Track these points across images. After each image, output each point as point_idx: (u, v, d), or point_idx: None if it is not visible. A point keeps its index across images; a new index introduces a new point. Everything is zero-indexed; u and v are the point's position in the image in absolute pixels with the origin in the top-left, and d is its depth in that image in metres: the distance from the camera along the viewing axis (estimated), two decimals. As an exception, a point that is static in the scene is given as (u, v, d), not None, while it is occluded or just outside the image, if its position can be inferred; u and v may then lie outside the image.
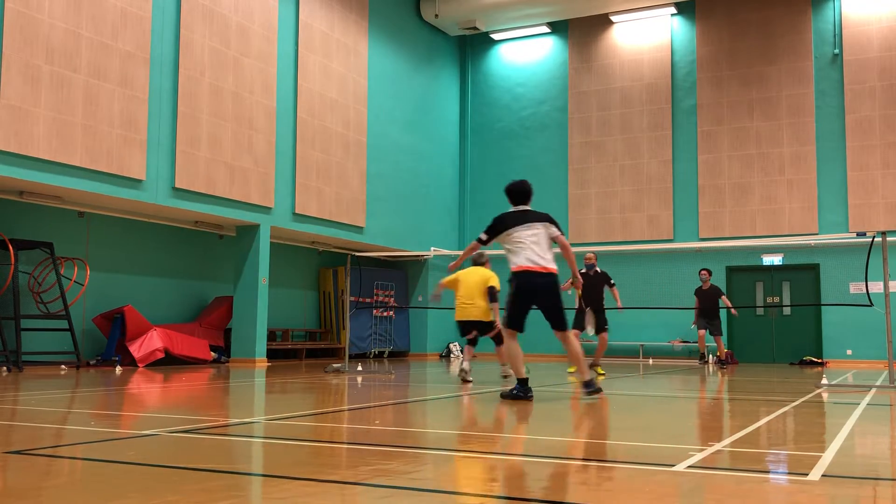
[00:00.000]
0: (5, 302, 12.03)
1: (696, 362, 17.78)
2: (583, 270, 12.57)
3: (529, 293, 7.26)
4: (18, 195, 12.11)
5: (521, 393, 7.22)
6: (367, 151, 17.98)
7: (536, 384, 9.52)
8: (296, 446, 4.53)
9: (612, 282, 12.63)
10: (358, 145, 17.62)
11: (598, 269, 12.62)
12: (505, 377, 10.35)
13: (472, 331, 10.21)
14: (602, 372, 11.99)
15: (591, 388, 7.24)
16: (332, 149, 16.81)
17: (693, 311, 15.75)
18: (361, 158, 17.70)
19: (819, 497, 3.14)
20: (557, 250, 7.62)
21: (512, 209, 7.66)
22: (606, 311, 12.44)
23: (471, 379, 9.69)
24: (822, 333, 17.95)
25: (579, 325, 12.31)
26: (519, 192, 7.76)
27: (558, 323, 7.37)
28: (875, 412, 6.69)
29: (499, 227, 7.51)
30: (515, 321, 7.36)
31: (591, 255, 12.84)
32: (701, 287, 15.61)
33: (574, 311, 12.43)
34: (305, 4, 16.27)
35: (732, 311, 15.79)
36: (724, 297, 15.48)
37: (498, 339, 10.15)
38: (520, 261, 7.26)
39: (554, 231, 7.49)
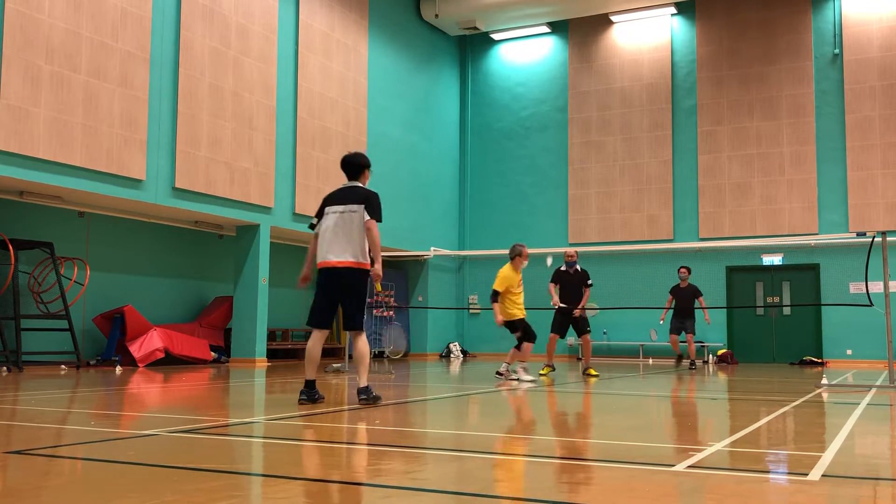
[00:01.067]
0: (5, 302, 12.03)
1: (699, 362, 17.79)
2: (562, 268, 12.37)
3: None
4: (18, 195, 12.11)
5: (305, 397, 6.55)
6: (367, 151, 17.97)
7: (535, 384, 9.53)
8: (296, 446, 4.53)
9: (590, 282, 12.31)
10: (358, 145, 17.61)
11: (578, 267, 12.34)
12: (499, 375, 10.73)
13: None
14: (595, 373, 11.75)
15: (365, 395, 6.56)
16: (332, 149, 16.80)
17: (662, 309, 14.82)
18: (361, 158, 17.68)
19: (819, 497, 3.14)
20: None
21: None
22: (588, 310, 12.31)
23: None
24: (822, 333, 17.95)
25: (560, 329, 12.15)
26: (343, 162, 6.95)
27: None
28: (875, 412, 6.69)
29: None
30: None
31: (573, 251, 12.61)
32: (678, 285, 14.64)
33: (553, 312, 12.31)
34: (305, 4, 16.27)
35: (706, 317, 14.61)
36: (700, 299, 14.49)
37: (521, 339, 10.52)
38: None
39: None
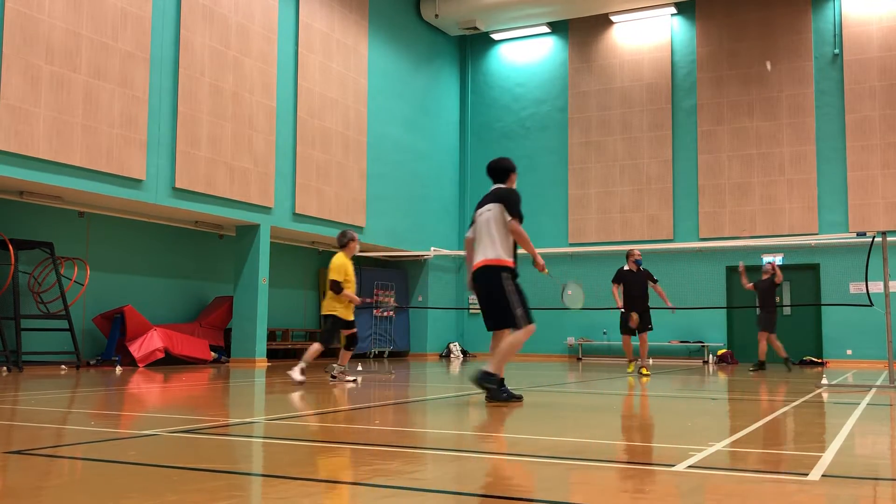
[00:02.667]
0: (5, 302, 12.03)
1: (699, 362, 17.80)
2: (626, 267, 12.50)
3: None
4: (18, 195, 12.11)
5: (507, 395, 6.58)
6: (367, 151, 17.98)
7: (536, 384, 9.53)
8: (296, 446, 4.53)
9: (656, 278, 12.62)
10: (358, 145, 17.61)
11: (642, 267, 12.49)
12: (333, 378, 9.64)
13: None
14: (647, 373, 12.04)
15: (487, 381, 6.63)
16: (332, 149, 16.80)
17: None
18: (361, 158, 17.70)
19: (819, 497, 3.14)
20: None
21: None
22: (651, 310, 12.51)
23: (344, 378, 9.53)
24: (822, 333, 17.95)
25: (628, 328, 12.38)
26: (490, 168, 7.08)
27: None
28: (875, 412, 6.69)
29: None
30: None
31: (638, 251, 12.62)
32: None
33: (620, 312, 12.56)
34: (305, 4, 16.27)
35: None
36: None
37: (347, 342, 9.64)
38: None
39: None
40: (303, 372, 9.05)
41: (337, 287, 9.15)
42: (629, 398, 8.35)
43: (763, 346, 14.08)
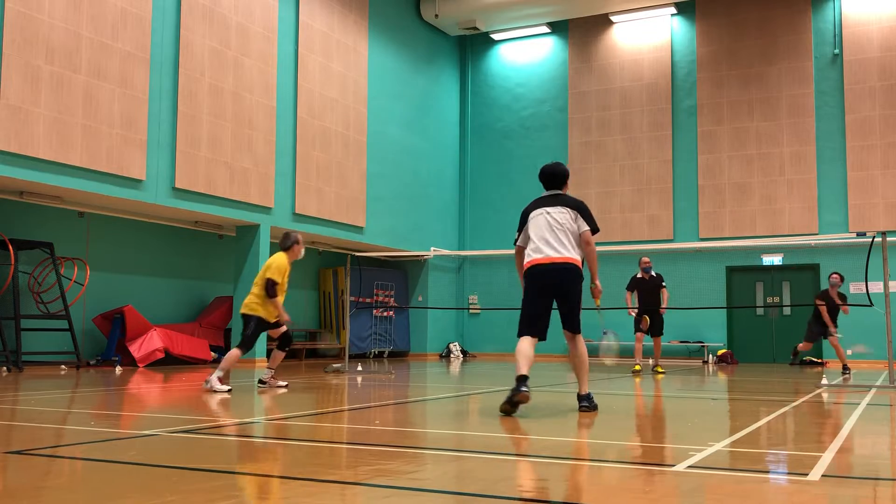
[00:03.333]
0: (5, 302, 12.03)
1: (698, 362, 17.80)
2: (639, 275, 13.32)
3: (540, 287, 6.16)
4: (18, 195, 12.11)
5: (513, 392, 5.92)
6: (367, 151, 17.98)
7: (536, 384, 9.52)
8: (296, 446, 4.53)
9: (664, 284, 13.35)
10: (358, 145, 17.61)
11: (653, 272, 13.27)
12: (262, 384, 8.78)
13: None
14: (662, 370, 12.99)
15: (587, 402, 6.38)
16: (332, 149, 16.80)
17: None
18: (361, 158, 17.70)
19: (819, 497, 3.14)
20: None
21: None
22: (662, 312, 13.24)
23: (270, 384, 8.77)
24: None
25: (639, 328, 13.19)
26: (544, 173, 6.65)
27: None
28: (875, 412, 6.69)
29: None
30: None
31: (648, 258, 13.43)
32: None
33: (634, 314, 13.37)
34: (305, 4, 16.27)
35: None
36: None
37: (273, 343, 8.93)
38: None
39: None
40: (222, 381, 8.06)
41: (272, 289, 8.31)
42: (629, 398, 8.35)
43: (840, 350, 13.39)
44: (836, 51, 18.18)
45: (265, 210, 15.14)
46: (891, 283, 13.30)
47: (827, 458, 3.98)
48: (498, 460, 4.03)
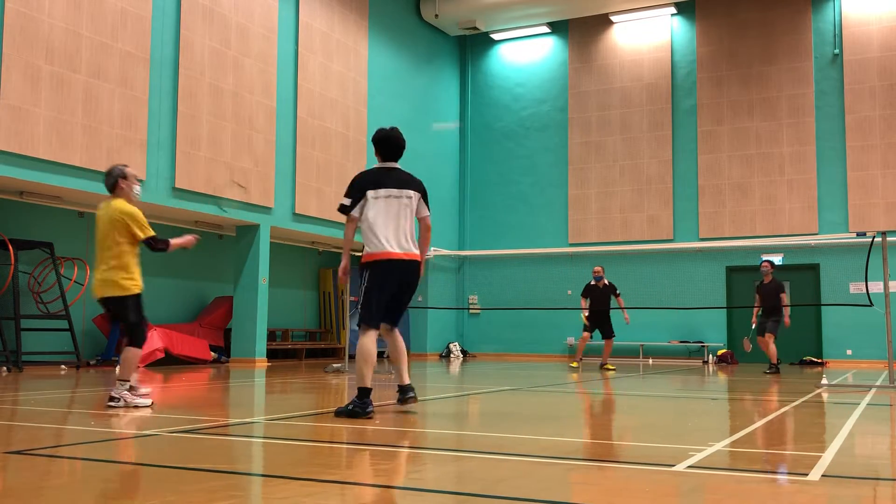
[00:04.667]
0: (5, 302, 12.03)
1: (698, 362, 17.80)
2: (592, 282, 14.29)
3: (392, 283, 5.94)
4: (18, 195, 12.11)
5: (358, 408, 5.58)
6: (367, 151, 17.97)
7: (536, 384, 9.52)
8: (296, 446, 4.53)
9: (618, 291, 14.31)
10: (358, 145, 17.62)
11: (606, 281, 14.22)
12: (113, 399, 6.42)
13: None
14: (612, 367, 13.76)
15: (407, 393, 5.97)
16: (332, 149, 16.80)
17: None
18: (361, 158, 17.70)
19: (819, 497, 3.14)
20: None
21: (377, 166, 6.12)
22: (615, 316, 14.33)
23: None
24: (822, 333, 17.95)
25: (591, 329, 14.28)
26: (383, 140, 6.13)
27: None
28: (875, 412, 6.69)
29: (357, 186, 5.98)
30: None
31: (600, 267, 14.50)
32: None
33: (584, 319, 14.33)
34: (305, 4, 16.27)
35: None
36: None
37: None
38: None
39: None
40: (134, 391, 6.38)
41: (157, 241, 6.67)
42: (629, 398, 8.35)
43: (773, 348, 13.71)
44: (836, 51, 18.18)
45: (265, 210, 15.14)
46: (891, 283, 13.31)
47: (827, 458, 3.98)
48: (498, 460, 4.03)
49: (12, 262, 11.64)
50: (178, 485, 3.22)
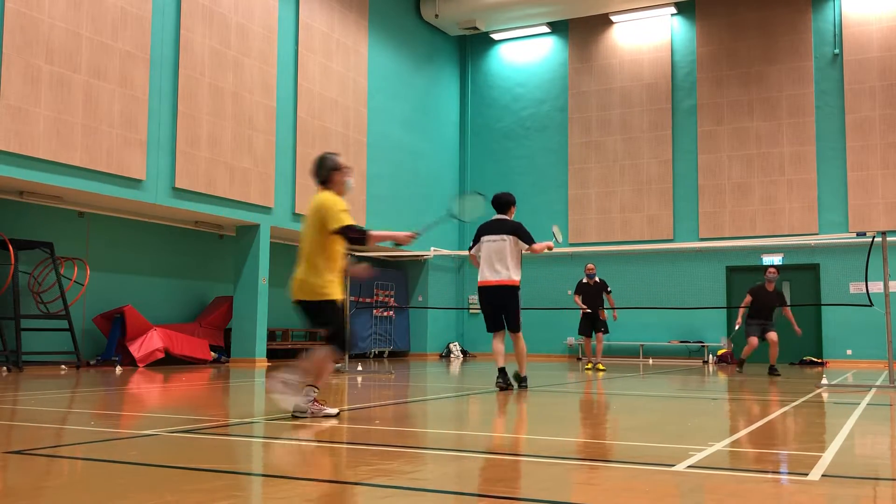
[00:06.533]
0: (5, 302, 12.03)
1: (698, 362, 17.80)
2: (584, 280, 14.36)
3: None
4: (18, 195, 12.11)
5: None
6: (367, 151, 17.98)
7: (536, 384, 9.52)
8: (296, 446, 4.54)
9: (609, 289, 14.37)
10: (358, 145, 17.62)
11: (597, 278, 14.34)
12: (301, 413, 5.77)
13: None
14: (602, 368, 13.80)
15: (524, 382, 8.47)
16: (332, 149, 16.76)
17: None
18: (361, 158, 17.70)
19: (819, 497, 3.15)
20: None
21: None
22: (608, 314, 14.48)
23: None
24: (822, 333, 17.94)
25: (585, 330, 14.35)
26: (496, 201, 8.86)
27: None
28: (875, 412, 6.69)
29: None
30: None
31: (592, 265, 14.53)
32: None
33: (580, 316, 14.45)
34: (305, 4, 16.27)
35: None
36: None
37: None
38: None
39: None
40: (318, 401, 5.63)
41: (351, 229, 5.69)
42: (629, 398, 8.35)
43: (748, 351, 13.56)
44: (836, 51, 18.18)
45: (265, 210, 15.14)
46: (891, 283, 13.31)
47: (827, 458, 3.98)
48: (498, 460, 4.03)
49: (12, 262, 11.64)
50: (178, 485, 3.22)
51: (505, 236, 8.43)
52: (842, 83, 18.09)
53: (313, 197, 5.90)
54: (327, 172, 5.88)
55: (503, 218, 8.63)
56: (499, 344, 8.45)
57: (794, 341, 18.12)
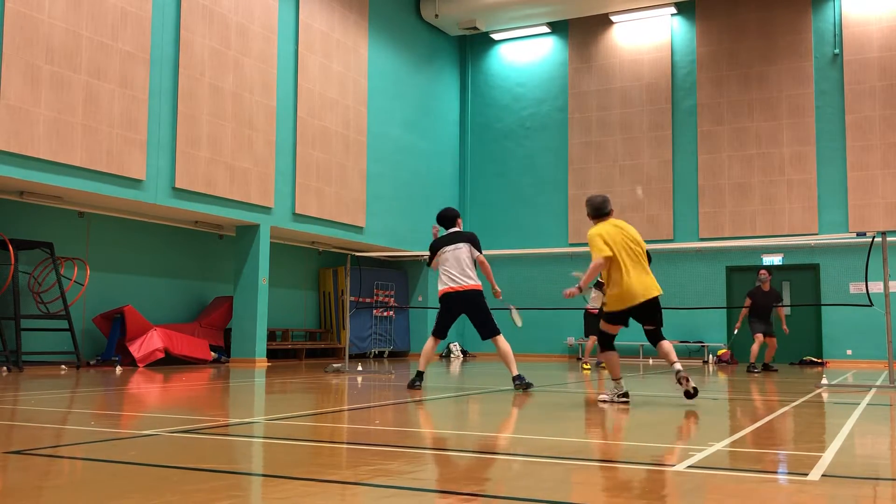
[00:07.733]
0: (5, 302, 12.03)
1: (699, 362, 17.80)
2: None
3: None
4: (18, 195, 12.11)
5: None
6: (367, 151, 17.98)
7: (536, 384, 9.52)
8: (296, 446, 4.53)
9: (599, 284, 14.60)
10: (358, 145, 17.61)
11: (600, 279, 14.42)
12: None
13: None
14: (587, 367, 14.07)
15: (520, 381, 8.34)
16: (332, 149, 16.80)
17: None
18: (361, 158, 17.70)
19: (819, 497, 3.15)
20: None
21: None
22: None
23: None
24: (822, 333, 17.95)
25: (593, 330, 14.20)
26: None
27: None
28: (875, 412, 6.69)
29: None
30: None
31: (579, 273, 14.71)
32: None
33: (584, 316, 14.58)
34: (305, 4, 16.27)
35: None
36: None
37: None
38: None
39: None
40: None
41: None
42: (629, 398, 8.33)
43: (756, 349, 14.06)
44: (836, 51, 18.18)
45: (265, 210, 15.14)
46: (891, 283, 13.31)
47: (827, 458, 3.98)
48: (498, 460, 4.03)
49: (12, 262, 11.64)
50: (179, 485, 3.22)
51: (461, 244, 8.71)
52: (842, 83, 18.09)
53: (624, 223, 7.46)
54: (609, 209, 7.42)
55: (455, 230, 8.92)
56: (433, 347, 8.68)
57: (794, 341, 18.15)
